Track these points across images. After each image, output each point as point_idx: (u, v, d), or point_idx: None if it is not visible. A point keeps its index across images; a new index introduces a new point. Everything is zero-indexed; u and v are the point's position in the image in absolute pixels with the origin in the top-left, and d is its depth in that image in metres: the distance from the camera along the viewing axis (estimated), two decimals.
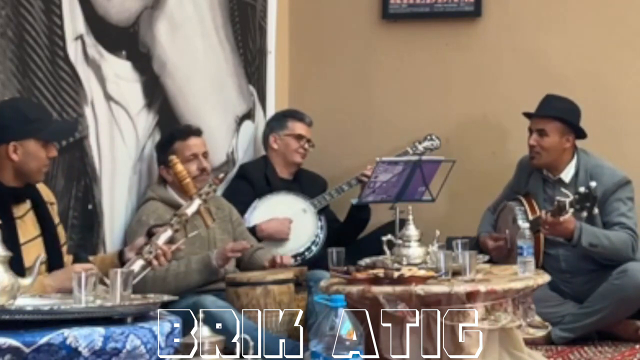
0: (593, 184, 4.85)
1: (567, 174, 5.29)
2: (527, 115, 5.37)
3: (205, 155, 5.01)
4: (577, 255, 5.20)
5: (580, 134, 5.32)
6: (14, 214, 3.78)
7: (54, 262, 3.82)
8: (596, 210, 4.91)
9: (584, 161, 5.29)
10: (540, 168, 5.33)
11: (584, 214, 4.89)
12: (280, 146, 5.72)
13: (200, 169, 4.94)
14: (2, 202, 3.74)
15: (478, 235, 5.45)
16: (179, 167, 4.18)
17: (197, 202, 3.91)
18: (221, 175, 4.45)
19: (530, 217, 5.16)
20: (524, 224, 4.61)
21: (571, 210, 4.85)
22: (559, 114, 5.29)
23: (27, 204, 3.87)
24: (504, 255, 5.19)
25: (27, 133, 3.78)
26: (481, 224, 5.52)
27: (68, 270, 3.74)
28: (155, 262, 3.87)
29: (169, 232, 3.85)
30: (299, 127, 5.74)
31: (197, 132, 5.05)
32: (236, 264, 5.01)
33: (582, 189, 4.85)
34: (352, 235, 5.73)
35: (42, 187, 3.98)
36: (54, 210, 4.01)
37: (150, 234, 3.89)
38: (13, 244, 3.67)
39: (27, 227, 3.82)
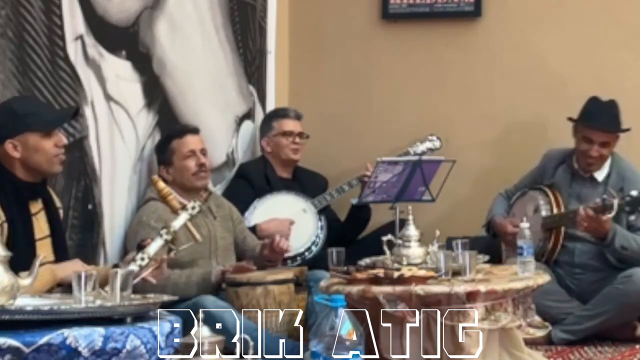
0: None
1: (600, 174, 5.34)
2: (586, 125, 5.31)
3: (203, 152, 5.01)
4: (591, 252, 5.25)
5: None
6: (30, 211, 3.80)
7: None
8: None
9: (617, 163, 5.36)
10: (585, 169, 5.35)
11: (632, 217, 4.98)
12: (273, 147, 5.72)
13: (198, 165, 4.95)
14: (19, 197, 3.77)
15: (491, 217, 5.48)
16: (160, 184, 4.19)
17: (183, 217, 3.91)
18: (206, 194, 4.64)
19: (555, 210, 5.24)
20: (542, 215, 4.76)
21: (615, 211, 4.90)
22: (620, 125, 5.34)
23: (40, 203, 3.88)
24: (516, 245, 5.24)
25: (19, 128, 3.78)
26: (494, 207, 5.55)
27: (74, 263, 3.80)
28: (148, 272, 3.85)
29: (159, 242, 3.84)
30: (284, 124, 5.73)
31: (194, 130, 5.06)
32: (237, 261, 5.02)
33: (634, 192, 4.92)
34: (353, 235, 5.73)
35: (51, 192, 4.00)
36: (60, 216, 4.02)
37: (140, 247, 3.90)
38: (28, 239, 3.71)
39: (40, 225, 3.84)
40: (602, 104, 5.38)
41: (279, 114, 5.82)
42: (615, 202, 4.89)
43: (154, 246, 3.83)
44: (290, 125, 5.73)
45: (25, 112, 3.82)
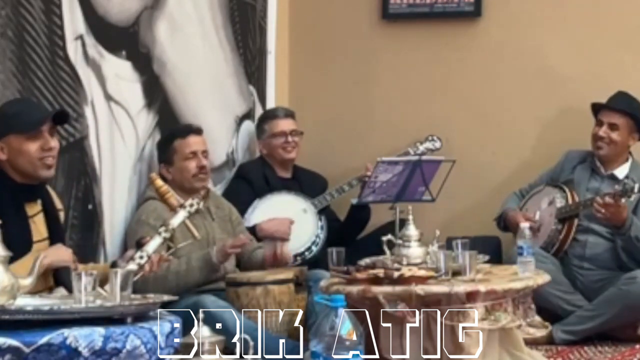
0: None
1: (621, 172, 5.40)
2: (597, 106, 5.44)
3: (204, 153, 5.01)
4: (602, 246, 5.28)
5: None
6: (27, 213, 3.78)
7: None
8: None
9: (637, 168, 5.42)
10: (601, 159, 5.41)
11: None
12: (268, 149, 5.71)
13: (199, 167, 4.95)
14: (14, 199, 3.74)
15: (503, 210, 5.54)
16: (158, 182, 4.18)
17: (182, 214, 3.91)
18: (204, 191, 4.71)
19: (570, 202, 5.33)
20: (557, 207, 5.02)
21: (636, 193, 4.99)
22: (631, 110, 5.39)
23: (39, 205, 3.86)
24: None
25: (2, 130, 3.75)
26: (506, 203, 5.61)
27: (57, 248, 3.77)
28: (147, 268, 3.86)
29: (158, 240, 3.84)
30: (274, 125, 5.71)
31: (197, 131, 5.06)
32: (236, 263, 5.02)
33: None
34: (352, 235, 5.72)
35: (51, 193, 3.97)
36: (60, 217, 4.00)
37: (139, 245, 3.90)
38: (25, 242, 3.68)
39: (38, 228, 3.81)
40: (623, 94, 5.47)
41: (269, 115, 5.81)
42: (637, 185, 4.97)
43: (153, 244, 3.83)
44: (280, 125, 5.71)
45: (11, 113, 3.78)
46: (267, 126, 5.73)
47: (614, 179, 5.36)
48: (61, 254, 3.74)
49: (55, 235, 3.87)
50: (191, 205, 3.93)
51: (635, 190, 4.96)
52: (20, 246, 3.61)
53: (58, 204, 4.01)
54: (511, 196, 5.65)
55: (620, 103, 5.42)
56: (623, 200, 5.03)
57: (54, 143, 3.81)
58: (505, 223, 5.52)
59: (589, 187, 5.41)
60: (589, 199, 5.23)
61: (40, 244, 3.79)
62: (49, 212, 3.88)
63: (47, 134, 3.79)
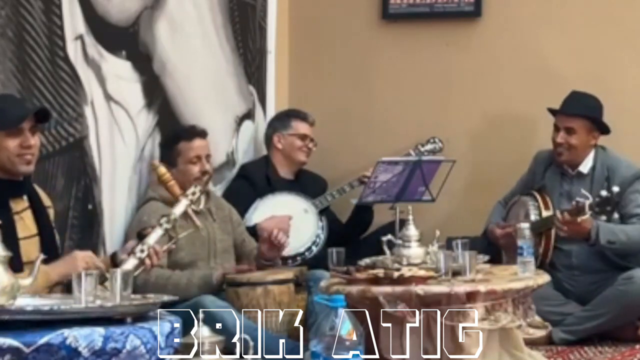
0: (615, 188, 4.89)
1: (585, 166, 5.31)
2: (552, 111, 5.37)
3: (208, 157, 5.01)
4: (589, 253, 5.22)
5: (605, 130, 5.34)
6: (12, 209, 3.77)
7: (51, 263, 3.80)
8: (616, 215, 4.93)
9: (602, 156, 5.33)
10: (563, 164, 5.34)
11: (603, 217, 4.96)
12: (285, 146, 5.72)
13: (201, 172, 4.93)
14: None
15: (487, 226, 5.49)
16: (162, 169, 4.17)
17: (184, 203, 3.91)
18: (206, 177, 4.72)
19: (544, 213, 5.23)
20: (531, 220, 4.77)
21: (589, 212, 4.89)
22: (586, 112, 5.30)
23: (25, 202, 3.85)
24: (512, 247, 5.20)
25: None
26: (491, 216, 5.56)
27: (71, 259, 3.75)
28: (147, 262, 3.86)
29: (159, 232, 3.84)
30: (302, 127, 5.74)
31: (203, 134, 5.04)
32: (236, 264, 5.02)
33: (603, 193, 4.89)
34: (354, 236, 5.72)
35: (39, 191, 3.96)
36: (50, 215, 3.99)
37: (140, 236, 3.89)
38: (11, 239, 3.65)
39: (26, 224, 3.80)
40: (577, 94, 5.39)
41: (299, 115, 5.80)
42: (587, 202, 4.86)
43: (154, 236, 3.84)
44: (307, 129, 5.76)
45: None
46: (294, 124, 5.74)
47: (580, 175, 5.31)
48: (76, 266, 3.70)
49: (44, 232, 3.86)
50: (193, 194, 3.94)
51: (587, 209, 4.84)
52: (4, 242, 3.60)
53: (46, 200, 3.99)
54: (496, 206, 5.60)
55: (574, 106, 5.33)
56: (581, 217, 4.93)
57: (34, 141, 3.82)
58: (489, 239, 5.48)
59: (561, 191, 5.34)
60: (552, 216, 5.14)
61: (29, 240, 3.78)
62: (37, 209, 3.87)
63: (28, 132, 3.79)
